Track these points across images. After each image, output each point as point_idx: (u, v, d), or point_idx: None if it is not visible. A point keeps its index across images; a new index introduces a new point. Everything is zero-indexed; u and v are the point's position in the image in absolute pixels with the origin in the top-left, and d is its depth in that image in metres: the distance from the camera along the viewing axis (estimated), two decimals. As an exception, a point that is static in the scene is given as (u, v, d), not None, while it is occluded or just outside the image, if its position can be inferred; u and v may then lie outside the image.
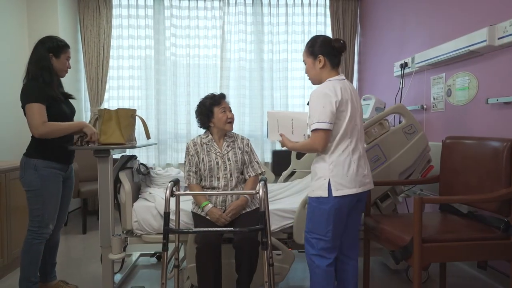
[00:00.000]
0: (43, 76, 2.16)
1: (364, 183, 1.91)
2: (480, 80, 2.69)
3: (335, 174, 1.83)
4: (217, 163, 2.31)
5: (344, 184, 1.83)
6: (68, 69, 2.33)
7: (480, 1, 2.67)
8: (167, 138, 4.78)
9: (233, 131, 2.45)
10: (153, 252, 3.17)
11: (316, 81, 1.97)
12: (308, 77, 2.00)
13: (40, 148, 2.19)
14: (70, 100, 2.43)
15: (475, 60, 2.73)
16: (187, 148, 2.38)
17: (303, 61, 1.99)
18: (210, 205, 2.25)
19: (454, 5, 2.97)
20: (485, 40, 2.46)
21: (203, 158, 2.32)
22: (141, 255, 3.19)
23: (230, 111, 2.38)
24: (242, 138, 2.45)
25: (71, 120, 2.34)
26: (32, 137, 2.21)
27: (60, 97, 2.26)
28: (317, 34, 1.99)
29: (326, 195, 1.83)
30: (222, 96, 2.40)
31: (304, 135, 1.99)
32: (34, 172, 2.16)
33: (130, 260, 3.09)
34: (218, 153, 2.32)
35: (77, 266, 3.00)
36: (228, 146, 2.36)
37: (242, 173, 2.40)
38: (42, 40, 2.24)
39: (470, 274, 2.76)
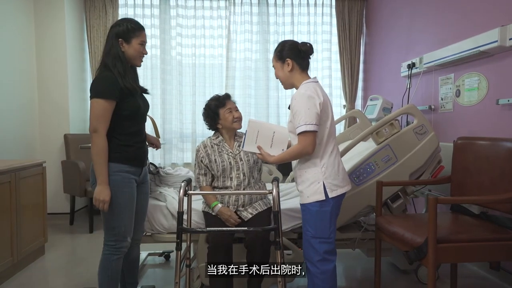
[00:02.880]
0: (117, 66, 1.87)
1: (349, 181, 1.98)
2: (490, 80, 2.69)
3: (328, 176, 1.85)
4: (230, 163, 2.30)
5: (337, 184, 1.87)
6: (144, 55, 1.99)
7: (491, 1, 2.67)
8: (172, 138, 4.79)
9: (242, 131, 2.45)
10: (161, 251, 3.17)
11: (287, 84, 1.97)
12: (280, 81, 2.00)
13: (112, 149, 1.87)
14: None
15: (485, 61, 2.73)
16: (197, 151, 2.37)
17: (273, 66, 1.99)
18: (219, 205, 2.26)
19: (463, 6, 2.96)
20: (497, 41, 2.46)
21: (215, 159, 2.31)
22: (149, 254, 3.18)
23: (237, 110, 2.35)
24: None
25: (145, 115, 2.07)
26: None
27: (136, 90, 1.95)
28: (285, 39, 2.01)
29: (324, 198, 1.84)
30: (226, 97, 2.37)
31: (282, 149, 1.93)
32: None
33: (138, 259, 3.09)
34: (230, 153, 2.32)
35: (85, 265, 3.00)
36: (239, 146, 2.36)
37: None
38: (112, 25, 1.95)
39: (480, 275, 2.76)
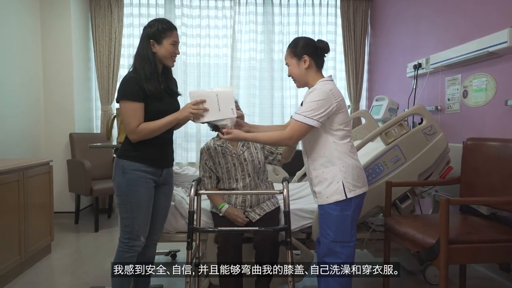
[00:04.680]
0: (145, 68, 1.88)
1: (366, 182, 1.91)
2: (499, 81, 2.68)
3: (347, 176, 1.79)
4: (234, 164, 2.29)
5: (356, 184, 1.81)
6: (176, 55, 1.97)
7: (499, 2, 2.67)
8: (177, 137, 4.78)
9: None
10: (167, 250, 3.16)
11: (302, 83, 1.89)
12: (293, 80, 1.92)
13: (129, 148, 1.93)
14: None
15: (493, 62, 2.73)
16: (201, 154, 2.35)
17: (286, 63, 1.90)
18: (226, 206, 2.26)
19: (471, 6, 2.96)
20: (506, 42, 2.45)
21: (219, 161, 2.30)
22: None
23: (238, 109, 2.25)
24: None
25: None
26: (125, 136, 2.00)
27: (162, 93, 1.94)
28: (299, 36, 1.94)
29: (344, 198, 1.77)
30: None
31: (232, 109, 1.84)
32: (122, 175, 1.91)
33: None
34: (234, 155, 2.30)
35: (91, 264, 3.00)
36: (243, 146, 2.34)
37: (270, 163, 2.37)
38: (145, 26, 1.95)
39: (489, 276, 2.76)
